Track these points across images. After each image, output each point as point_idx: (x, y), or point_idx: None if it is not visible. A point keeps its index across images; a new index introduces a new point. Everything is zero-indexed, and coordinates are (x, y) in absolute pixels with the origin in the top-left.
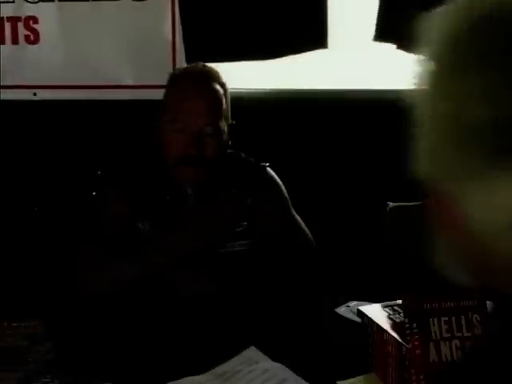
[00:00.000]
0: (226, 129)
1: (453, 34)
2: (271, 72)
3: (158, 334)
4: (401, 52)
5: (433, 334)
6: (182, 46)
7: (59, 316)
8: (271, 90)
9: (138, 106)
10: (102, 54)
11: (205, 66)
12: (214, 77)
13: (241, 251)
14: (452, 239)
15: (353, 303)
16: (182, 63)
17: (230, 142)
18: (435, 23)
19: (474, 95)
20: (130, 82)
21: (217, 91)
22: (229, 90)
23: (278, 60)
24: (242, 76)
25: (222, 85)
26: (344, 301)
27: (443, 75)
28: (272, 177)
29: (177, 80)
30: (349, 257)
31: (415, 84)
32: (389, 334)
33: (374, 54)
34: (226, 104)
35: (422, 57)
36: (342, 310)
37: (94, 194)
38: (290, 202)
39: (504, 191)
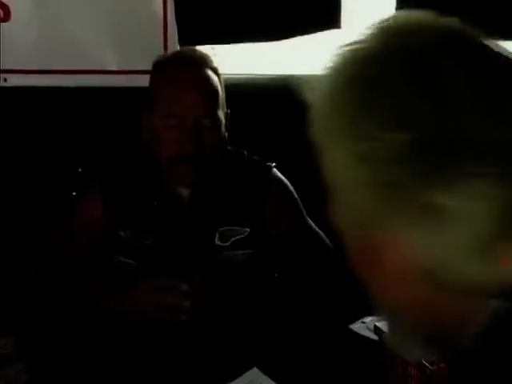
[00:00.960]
0: (223, 119)
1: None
2: (275, 56)
3: (149, 351)
4: None
5: None
6: (175, 25)
7: (33, 332)
8: (274, 75)
9: (123, 93)
10: (83, 35)
11: (194, 51)
12: (206, 62)
13: (242, 261)
14: (394, 295)
15: (369, 319)
16: (174, 45)
17: (227, 135)
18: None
19: (387, 122)
20: (115, 67)
21: (212, 78)
22: (222, 76)
23: (283, 42)
24: (241, 60)
25: (215, 70)
26: (359, 316)
27: (346, 114)
28: (280, 178)
29: (164, 68)
30: None
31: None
32: None
33: None
34: (221, 91)
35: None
36: (356, 327)
37: (73, 194)
38: (302, 207)
39: (443, 222)
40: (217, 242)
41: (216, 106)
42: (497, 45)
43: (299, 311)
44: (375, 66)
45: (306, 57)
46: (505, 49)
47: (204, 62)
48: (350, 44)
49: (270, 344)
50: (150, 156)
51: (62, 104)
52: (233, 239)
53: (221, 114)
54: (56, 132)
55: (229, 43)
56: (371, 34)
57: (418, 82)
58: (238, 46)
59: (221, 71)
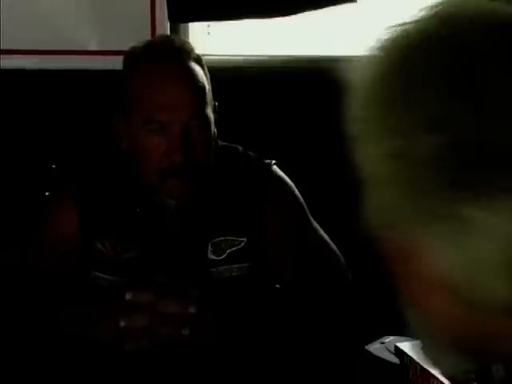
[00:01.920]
0: (213, 117)
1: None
2: (279, 35)
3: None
4: None
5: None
6: None
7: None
8: (279, 57)
9: (105, 77)
10: (60, 11)
11: (173, 40)
12: (188, 52)
13: (239, 277)
14: (427, 307)
15: (388, 339)
16: (163, 21)
17: (216, 131)
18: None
19: (426, 121)
20: (95, 47)
21: (197, 72)
22: (217, 58)
23: (288, 19)
24: (240, 40)
25: (199, 60)
26: (377, 335)
27: (385, 106)
28: (281, 178)
29: (139, 62)
30: (382, 279)
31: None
32: (437, 380)
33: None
34: (208, 84)
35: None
36: (374, 348)
37: (46, 194)
38: (308, 211)
39: (474, 227)
40: (210, 255)
41: (205, 103)
42: None
43: (307, 331)
44: (422, 56)
45: (316, 36)
46: None
47: (186, 53)
48: (399, 26)
49: (275, 368)
50: (131, 162)
51: (36, 89)
52: (228, 251)
53: (210, 111)
54: (28, 121)
55: (226, 19)
56: (423, 18)
57: (463, 81)
58: (236, 23)
59: (216, 52)
